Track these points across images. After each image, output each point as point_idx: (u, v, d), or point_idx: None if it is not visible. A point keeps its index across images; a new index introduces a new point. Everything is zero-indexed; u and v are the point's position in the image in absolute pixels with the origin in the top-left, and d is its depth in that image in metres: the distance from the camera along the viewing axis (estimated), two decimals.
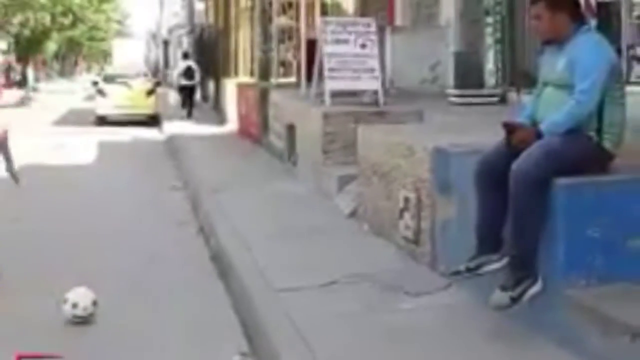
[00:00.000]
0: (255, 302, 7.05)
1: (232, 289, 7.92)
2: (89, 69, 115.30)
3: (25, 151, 19.49)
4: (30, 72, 64.56)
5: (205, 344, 6.59)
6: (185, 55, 33.16)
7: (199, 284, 8.30)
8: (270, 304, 6.93)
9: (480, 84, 13.36)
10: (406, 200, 8.15)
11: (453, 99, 13.24)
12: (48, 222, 11.16)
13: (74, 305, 7.03)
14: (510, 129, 6.07)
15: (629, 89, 6.53)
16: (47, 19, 55.06)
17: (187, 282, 8.36)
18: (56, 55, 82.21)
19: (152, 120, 28.36)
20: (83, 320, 7.01)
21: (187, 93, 29.84)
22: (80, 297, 7.07)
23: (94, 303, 7.08)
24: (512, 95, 12.80)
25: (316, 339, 5.99)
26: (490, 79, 13.34)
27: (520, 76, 12.69)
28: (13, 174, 8.81)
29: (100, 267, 8.74)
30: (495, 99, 13.04)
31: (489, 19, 13.28)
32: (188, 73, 30.03)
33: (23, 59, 63.78)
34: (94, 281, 7.56)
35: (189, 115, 28.58)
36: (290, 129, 14.47)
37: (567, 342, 5.45)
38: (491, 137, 6.47)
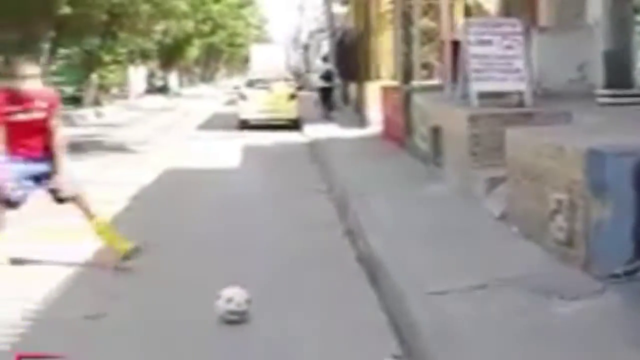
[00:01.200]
0: (407, 305, 7.00)
1: (381, 291, 7.90)
2: (229, 75, 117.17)
3: (171, 155, 20.04)
4: (172, 78, 66.06)
5: (356, 346, 6.58)
6: (325, 59, 35.62)
7: (346, 286, 8.31)
8: (421, 307, 6.87)
9: (630, 84, 13.03)
10: (558, 202, 7.99)
11: (601, 99, 12.93)
12: (195, 223, 11.36)
13: (228, 300, 7.13)
14: None
15: None
16: (190, 26, 56.00)
17: (335, 284, 8.38)
18: (197, 61, 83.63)
19: (294, 124, 28.60)
20: (237, 318, 7.10)
21: (325, 94, 31.75)
22: (235, 293, 7.17)
23: (248, 301, 7.16)
24: None
25: (469, 343, 5.94)
26: None
27: None
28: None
29: (249, 268, 8.86)
30: None
31: (639, 17, 12.96)
32: (327, 76, 32.29)
33: (166, 65, 65.21)
34: (243, 281, 7.66)
35: (327, 115, 30.23)
36: (436, 131, 14.40)
37: None
38: None
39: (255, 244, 10.13)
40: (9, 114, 8.72)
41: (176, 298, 7.91)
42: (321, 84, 32.59)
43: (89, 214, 9.08)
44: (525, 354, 5.73)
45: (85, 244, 9.52)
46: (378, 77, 27.61)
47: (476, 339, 6.03)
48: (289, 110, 29.54)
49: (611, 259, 6.57)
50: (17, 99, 8.74)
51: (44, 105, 8.89)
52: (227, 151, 21.01)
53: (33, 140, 8.93)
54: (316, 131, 25.01)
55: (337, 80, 33.79)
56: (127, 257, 8.99)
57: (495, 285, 7.28)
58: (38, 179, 9.04)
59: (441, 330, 6.26)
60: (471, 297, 7.07)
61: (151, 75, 63.03)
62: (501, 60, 13.32)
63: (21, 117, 8.77)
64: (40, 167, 8.99)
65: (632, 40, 13.04)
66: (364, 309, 7.51)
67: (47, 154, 9.00)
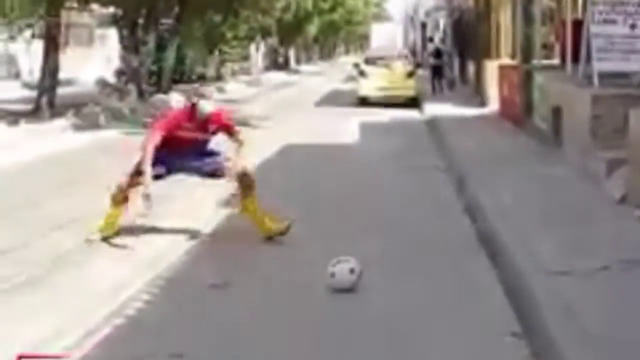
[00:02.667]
0: (527, 284, 7.04)
1: (502, 270, 7.92)
2: (346, 52, 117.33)
3: (291, 130, 20.25)
4: (291, 55, 66.46)
5: (476, 324, 6.62)
6: (430, 39, 40.12)
7: (467, 264, 8.36)
8: (542, 287, 6.90)
9: None
10: None
11: None
12: (314, 198, 11.52)
13: (351, 271, 7.39)
14: None
15: None
16: (309, 3, 56.30)
17: (455, 261, 8.44)
18: (316, 39, 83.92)
19: (413, 102, 28.57)
20: (347, 286, 7.35)
21: (435, 71, 33.44)
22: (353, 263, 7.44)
23: (358, 272, 7.41)
24: None
25: (591, 323, 5.95)
26: None
27: None
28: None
29: (369, 244, 8.94)
30: None
31: None
32: (436, 54, 34.10)
33: (285, 42, 65.61)
34: (364, 256, 7.79)
35: (434, 90, 31.96)
36: (556, 111, 14.28)
37: None
38: None
39: (376, 221, 10.18)
40: (182, 128, 9.17)
41: (296, 268, 8.15)
42: (431, 61, 34.32)
43: (248, 193, 9.33)
44: None
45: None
46: (497, 56, 27.36)
47: (596, 320, 6.03)
48: (408, 88, 29.52)
49: None
50: (194, 116, 9.15)
51: (214, 128, 9.34)
52: (345, 127, 21.09)
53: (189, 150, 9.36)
54: (434, 109, 24.96)
55: (447, 58, 35.49)
56: (280, 234, 9.22)
57: (618, 268, 7.26)
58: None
59: (562, 311, 6.27)
60: (593, 278, 7.06)
61: (272, 52, 63.51)
62: (625, 40, 13.13)
63: (189, 135, 9.21)
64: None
65: None
66: (485, 288, 7.54)
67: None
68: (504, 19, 27.02)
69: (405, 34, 74.91)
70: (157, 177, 9.15)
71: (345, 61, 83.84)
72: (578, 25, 14.78)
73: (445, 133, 18.93)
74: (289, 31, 62.27)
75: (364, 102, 28.98)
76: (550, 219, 9.37)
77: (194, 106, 9.14)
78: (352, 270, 7.42)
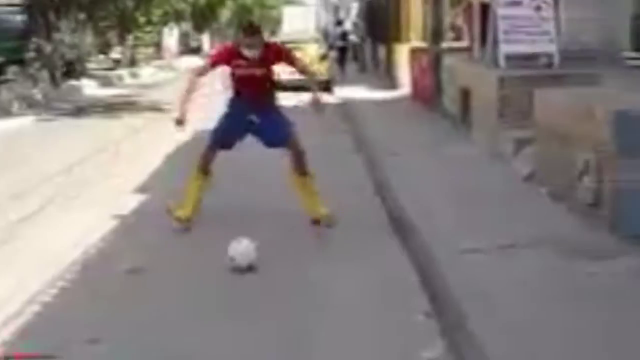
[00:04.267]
0: (437, 263, 7.21)
1: (412, 249, 8.08)
2: None
3: (206, 115, 20.17)
4: (205, 40, 66.05)
5: (388, 304, 6.77)
6: (339, 22, 40.93)
7: (378, 245, 8.49)
8: (452, 265, 7.08)
9: None
10: (586, 163, 8.14)
11: (630, 62, 13.02)
12: (226, 180, 11.55)
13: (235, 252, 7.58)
14: None
15: None
16: None
17: (367, 243, 8.56)
18: (229, 23, 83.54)
19: (326, 85, 28.65)
20: (244, 267, 7.51)
21: (342, 52, 35.98)
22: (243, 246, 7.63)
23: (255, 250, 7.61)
24: None
25: (500, 300, 6.13)
26: None
27: None
28: None
29: (281, 226, 9.09)
30: None
31: None
32: (342, 37, 37.00)
33: (199, 27, 65.20)
34: (279, 238, 7.92)
35: (342, 68, 34.42)
36: (465, 92, 14.52)
37: None
38: None
39: (286, 203, 10.20)
40: (236, 64, 9.19)
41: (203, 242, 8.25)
42: (338, 43, 36.47)
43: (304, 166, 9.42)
44: (553, 312, 5.90)
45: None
46: (407, 39, 27.61)
47: (505, 297, 6.21)
48: (321, 72, 29.57)
49: (637, 220, 6.71)
50: (243, 55, 9.13)
51: (271, 58, 9.31)
52: None
53: None
54: (347, 92, 25.11)
55: (358, 41, 39.07)
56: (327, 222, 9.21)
57: (524, 245, 7.46)
58: None
59: (471, 288, 6.45)
60: (501, 255, 7.25)
61: (185, 37, 63.10)
62: (530, 22, 13.37)
63: (247, 72, 9.20)
64: None
65: None
66: (396, 268, 7.68)
67: None
68: (414, 2, 27.27)
69: (317, 18, 74.94)
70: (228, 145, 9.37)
71: None
72: (485, 7, 15.02)
73: (357, 115, 19.09)
74: (203, 16, 61.88)
75: (278, 86, 28.92)
76: (459, 198, 9.56)
77: (238, 50, 9.10)
78: (255, 249, 7.59)
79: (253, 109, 9.27)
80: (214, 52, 9.34)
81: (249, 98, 9.26)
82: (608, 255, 6.99)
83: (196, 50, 64.16)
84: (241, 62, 9.10)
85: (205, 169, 9.32)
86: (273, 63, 9.28)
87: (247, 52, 9.03)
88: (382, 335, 6.11)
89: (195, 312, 6.63)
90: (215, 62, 9.24)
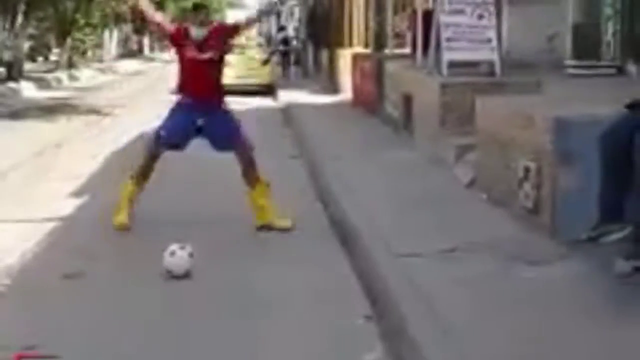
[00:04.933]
0: (378, 267, 7.21)
1: (353, 254, 8.09)
2: None
3: (145, 118, 20.06)
4: (146, 43, 65.74)
5: (329, 307, 6.75)
6: (282, 28, 42.34)
7: (319, 249, 8.49)
8: (393, 269, 7.08)
9: (598, 56, 13.25)
10: (526, 169, 8.20)
11: (570, 70, 13.16)
12: (166, 186, 11.48)
13: (172, 254, 7.49)
14: (633, 104, 6.15)
15: None
16: None
17: (308, 247, 8.56)
18: None
19: (268, 90, 28.66)
20: (181, 273, 7.43)
21: (284, 57, 36.77)
22: (179, 248, 7.53)
23: (191, 255, 7.50)
24: (631, 67, 12.67)
25: (440, 304, 6.13)
26: (608, 51, 13.23)
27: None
28: None
29: (224, 232, 9.03)
30: (612, 70, 12.92)
31: None
32: (284, 42, 37.86)
33: (139, 30, 64.94)
34: (218, 243, 7.88)
35: (284, 73, 35.00)
36: (407, 98, 14.58)
37: None
38: (612, 108, 6.52)
39: (230, 211, 10.20)
40: (183, 44, 9.24)
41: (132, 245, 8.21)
42: (280, 47, 37.42)
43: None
44: (491, 316, 5.93)
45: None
46: (350, 45, 27.72)
47: (444, 300, 6.22)
48: (263, 76, 29.61)
49: (576, 225, 6.76)
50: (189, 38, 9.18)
51: (217, 38, 9.26)
52: None
53: None
54: (289, 97, 25.12)
55: (300, 46, 39.66)
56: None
57: (464, 250, 7.50)
58: None
59: (412, 292, 6.45)
60: (441, 260, 7.28)
61: (125, 40, 62.78)
62: (473, 30, 13.48)
63: (194, 55, 9.16)
64: None
65: (601, 12, 13.24)
66: (338, 272, 7.68)
67: None
68: (357, 8, 27.40)
69: (259, 23, 74.86)
70: (174, 146, 9.25)
71: None
72: (428, 15, 15.11)
73: (300, 120, 19.09)
74: (143, 18, 61.61)
75: None
76: (401, 203, 9.60)
77: (186, 29, 9.11)
78: (190, 255, 7.51)
79: (200, 109, 9.13)
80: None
81: (195, 95, 9.14)
82: (546, 260, 7.04)
83: (136, 54, 63.86)
84: (188, 42, 9.06)
85: (145, 176, 9.24)
86: (221, 46, 9.20)
87: (194, 32, 9.03)
88: (322, 338, 6.10)
89: (133, 317, 6.56)
90: (165, 23, 9.51)
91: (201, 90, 9.13)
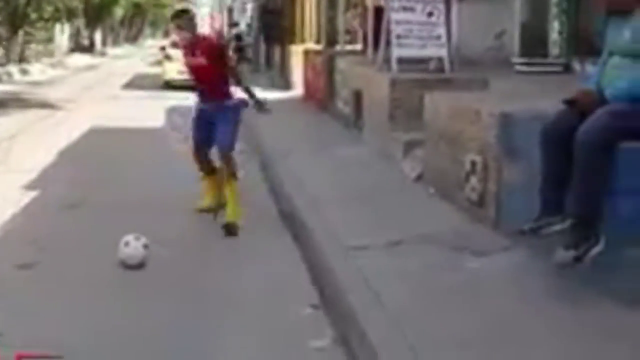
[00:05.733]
0: (326, 258, 7.37)
1: (303, 247, 8.26)
2: (153, 36, 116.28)
3: (96, 113, 20.10)
4: (97, 38, 65.33)
5: (278, 297, 6.93)
6: (235, 24, 45.37)
7: (270, 242, 8.65)
8: (340, 260, 7.24)
9: (545, 53, 13.51)
10: (473, 164, 8.38)
11: (518, 67, 13.41)
12: (117, 180, 11.53)
13: (126, 244, 7.65)
14: (571, 101, 6.35)
15: None
16: None
17: (259, 240, 8.71)
18: (122, 21, 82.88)
19: None
20: (135, 262, 7.58)
21: (238, 53, 36.65)
22: (134, 239, 7.70)
23: (145, 246, 7.67)
24: (576, 65, 12.93)
25: (385, 293, 6.29)
26: (554, 48, 13.49)
27: (585, 45, 12.80)
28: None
29: (174, 225, 9.16)
30: (559, 67, 13.18)
31: None
32: (237, 38, 39.89)
33: (91, 24, 64.57)
34: (171, 234, 8.00)
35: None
36: (357, 95, 14.73)
37: (628, 299, 5.68)
38: (557, 104, 6.70)
39: (181, 203, 10.29)
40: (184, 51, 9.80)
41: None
42: (233, 44, 37.88)
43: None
44: (435, 303, 6.12)
45: None
46: (302, 41, 27.82)
47: (391, 289, 6.39)
48: None
49: (520, 217, 6.93)
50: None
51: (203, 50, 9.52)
52: (152, 111, 20.98)
53: None
54: (240, 92, 25.09)
55: (252, 42, 39.50)
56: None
57: (412, 242, 7.67)
58: None
59: (360, 282, 6.61)
60: (388, 252, 7.45)
61: (77, 34, 62.37)
62: (422, 27, 13.66)
63: (190, 60, 9.63)
64: None
65: (548, 11, 13.49)
66: (288, 264, 7.86)
67: None
68: (309, 4, 27.50)
69: (212, 18, 74.69)
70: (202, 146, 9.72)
71: (152, 44, 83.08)
72: (379, 11, 15.26)
73: (250, 115, 19.10)
74: (96, 13, 61.35)
75: (169, 85, 28.85)
76: (351, 198, 9.75)
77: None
78: (145, 246, 7.66)
79: (207, 103, 9.63)
80: None
81: (203, 93, 9.67)
82: (490, 251, 7.21)
83: (88, 49, 63.45)
84: (183, 49, 9.67)
85: (205, 171, 9.90)
86: (210, 57, 9.38)
87: (178, 37, 9.58)
88: (273, 328, 6.26)
89: (86, 308, 6.65)
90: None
91: (205, 90, 9.63)
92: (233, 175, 9.38)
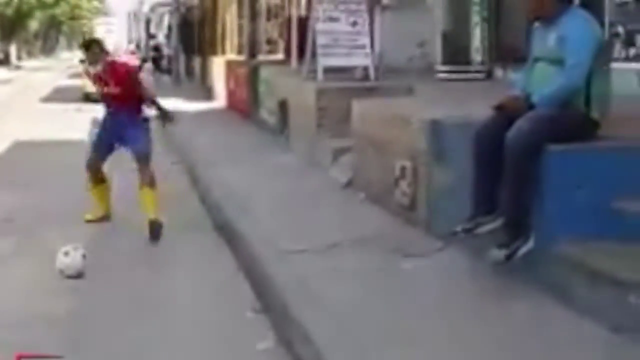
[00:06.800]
0: (264, 263, 7.51)
1: (239, 254, 8.36)
2: (69, 48, 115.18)
3: (17, 128, 19.89)
4: (12, 50, 64.56)
5: (219, 305, 7.05)
6: (152, 36, 47.31)
7: (205, 251, 8.76)
8: (277, 264, 7.40)
9: (467, 61, 13.82)
10: (402, 169, 8.59)
11: (441, 75, 13.71)
12: (46, 194, 11.50)
13: (66, 254, 7.69)
14: (499, 106, 6.60)
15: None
16: None
17: (194, 249, 8.81)
18: (37, 34, 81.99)
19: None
20: (73, 273, 7.62)
21: (155, 63, 39.22)
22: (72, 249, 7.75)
23: (84, 256, 7.73)
24: (498, 72, 13.26)
25: (323, 295, 6.48)
26: (476, 56, 13.81)
27: (507, 53, 13.13)
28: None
29: (106, 238, 9.25)
30: (481, 75, 13.51)
31: None
32: (155, 49, 42.02)
33: (6, 37, 63.80)
34: (100, 250, 8.10)
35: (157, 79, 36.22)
36: (283, 104, 14.89)
37: (556, 293, 5.92)
38: (482, 110, 6.96)
39: (122, 211, 10.20)
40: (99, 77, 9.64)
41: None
42: (152, 54, 40.45)
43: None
44: (370, 302, 6.31)
45: None
46: (223, 52, 27.93)
47: (328, 291, 6.57)
48: None
49: (451, 219, 7.14)
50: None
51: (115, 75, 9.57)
52: (74, 123, 20.86)
53: None
54: (163, 104, 25.05)
55: (172, 53, 38.74)
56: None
57: (347, 245, 7.84)
58: None
59: (297, 284, 6.79)
60: (325, 255, 7.61)
61: None
62: (347, 36, 13.90)
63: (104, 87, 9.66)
64: None
65: (469, 20, 13.81)
66: (226, 272, 7.97)
67: None
68: (230, 15, 27.61)
69: (129, 30, 74.38)
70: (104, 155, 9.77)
71: (69, 57, 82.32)
72: (303, 21, 15.46)
73: (178, 127, 19.13)
74: (10, 26, 60.65)
75: (89, 98, 28.63)
76: (283, 205, 9.92)
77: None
78: (83, 256, 7.72)
79: (117, 114, 9.62)
80: None
81: (114, 107, 9.65)
82: (423, 252, 7.42)
83: (3, 62, 62.69)
84: (96, 79, 9.58)
85: (95, 181, 9.88)
86: (123, 85, 9.46)
87: (91, 69, 9.48)
88: (215, 333, 6.35)
89: (25, 317, 6.69)
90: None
91: (117, 110, 9.63)
92: (153, 181, 9.42)
